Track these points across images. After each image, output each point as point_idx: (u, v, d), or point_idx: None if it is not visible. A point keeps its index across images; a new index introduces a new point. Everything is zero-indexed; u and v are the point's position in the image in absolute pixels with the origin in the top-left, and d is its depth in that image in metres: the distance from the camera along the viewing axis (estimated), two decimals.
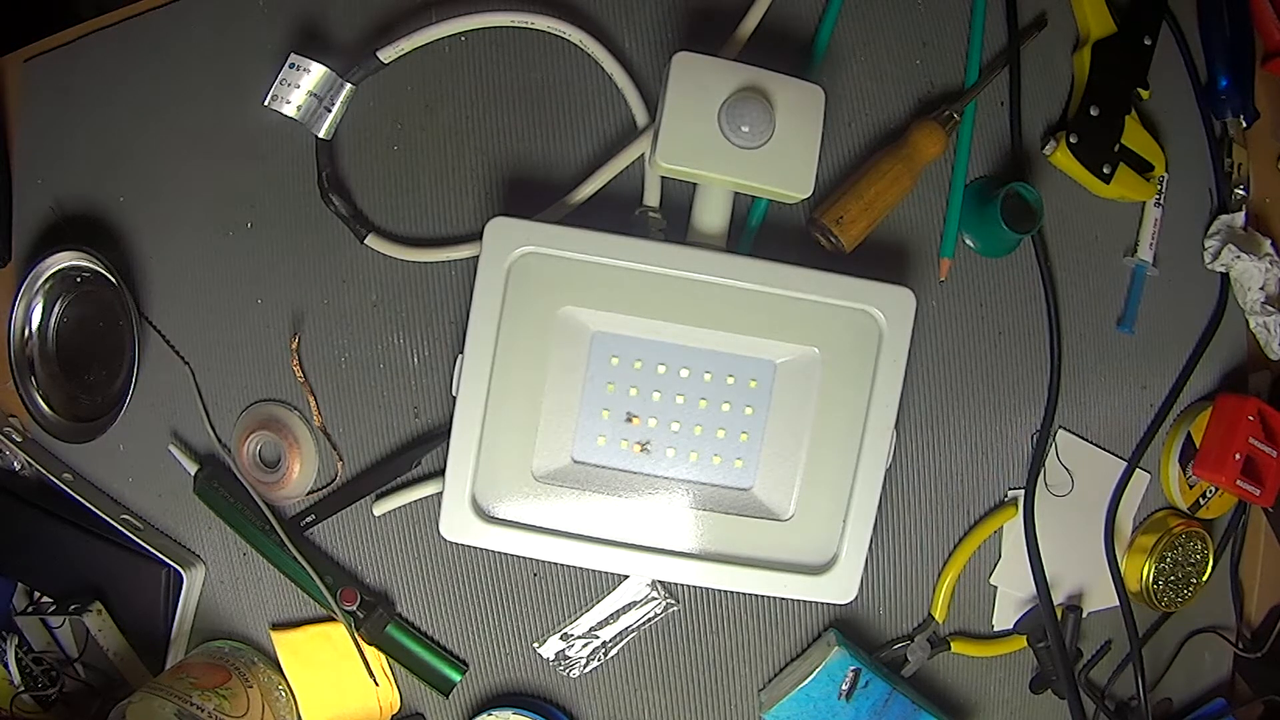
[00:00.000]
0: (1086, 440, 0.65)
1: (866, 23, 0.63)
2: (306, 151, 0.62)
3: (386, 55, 0.60)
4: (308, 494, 0.64)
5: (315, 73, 0.60)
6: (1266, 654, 0.69)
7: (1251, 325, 0.68)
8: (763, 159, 0.53)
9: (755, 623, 0.64)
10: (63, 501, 0.66)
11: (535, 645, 0.64)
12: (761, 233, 0.62)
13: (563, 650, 0.64)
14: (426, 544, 0.63)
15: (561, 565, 0.63)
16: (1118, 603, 0.63)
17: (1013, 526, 0.64)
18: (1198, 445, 0.66)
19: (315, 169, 0.62)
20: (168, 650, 0.66)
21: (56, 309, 0.68)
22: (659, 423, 0.54)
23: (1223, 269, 0.66)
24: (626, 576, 0.63)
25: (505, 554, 0.58)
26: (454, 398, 0.53)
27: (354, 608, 0.61)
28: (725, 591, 0.63)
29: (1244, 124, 0.67)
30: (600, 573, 0.63)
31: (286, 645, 0.65)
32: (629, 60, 0.62)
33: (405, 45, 0.61)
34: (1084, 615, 0.65)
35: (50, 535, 0.67)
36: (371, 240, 0.62)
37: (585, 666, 0.64)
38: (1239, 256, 0.65)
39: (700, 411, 0.54)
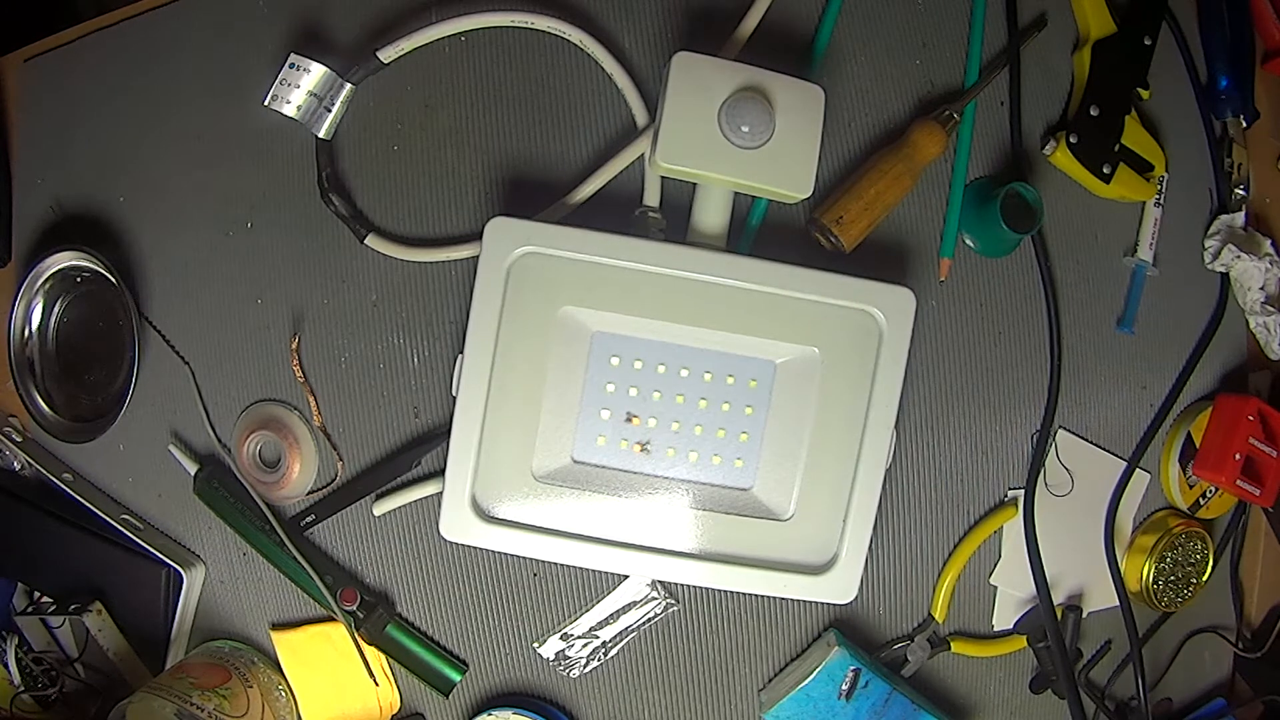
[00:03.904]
0: (1086, 440, 0.65)
1: (866, 23, 0.63)
2: (306, 151, 0.63)
3: (386, 55, 0.60)
4: (308, 494, 0.64)
5: (315, 73, 0.60)
6: (1266, 654, 0.69)
7: (1251, 325, 0.68)
8: (763, 159, 0.53)
9: (755, 623, 0.64)
10: (63, 501, 0.66)
11: (535, 645, 0.64)
12: (761, 233, 0.62)
13: (563, 650, 0.64)
14: (426, 544, 0.63)
15: (561, 565, 0.63)
16: (1118, 603, 0.63)
17: (1013, 526, 0.64)
18: (1198, 445, 0.66)
19: (315, 169, 0.62)
20: (168, 650, 0.66)
21: (56, 309, 0.68)
22: (659, 423, 0.54)
23: (1223, 269, 0.66)
24: (626, 576, 0.63)
25: (505, 554, 0.58)
26: (454, 398, 0.53)
27: (354, 608, 0.61)
28: (725, 591, 0.63)
29: (1244, 124, 0.67)
30: (600, 573, 0.63)
31: (286, 645, 0.65)
32: (629, 60, 0.62)
33: (405, 45, 0.61)
34: (1084, 615, 0.65)
35: (50, 535, 0.67)
36: (371, 240, 0.62)
37: (585, 666, 0.64)
38: (1239, 256, 0.65)
39: (700, 411, 0.54)
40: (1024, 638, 0.65)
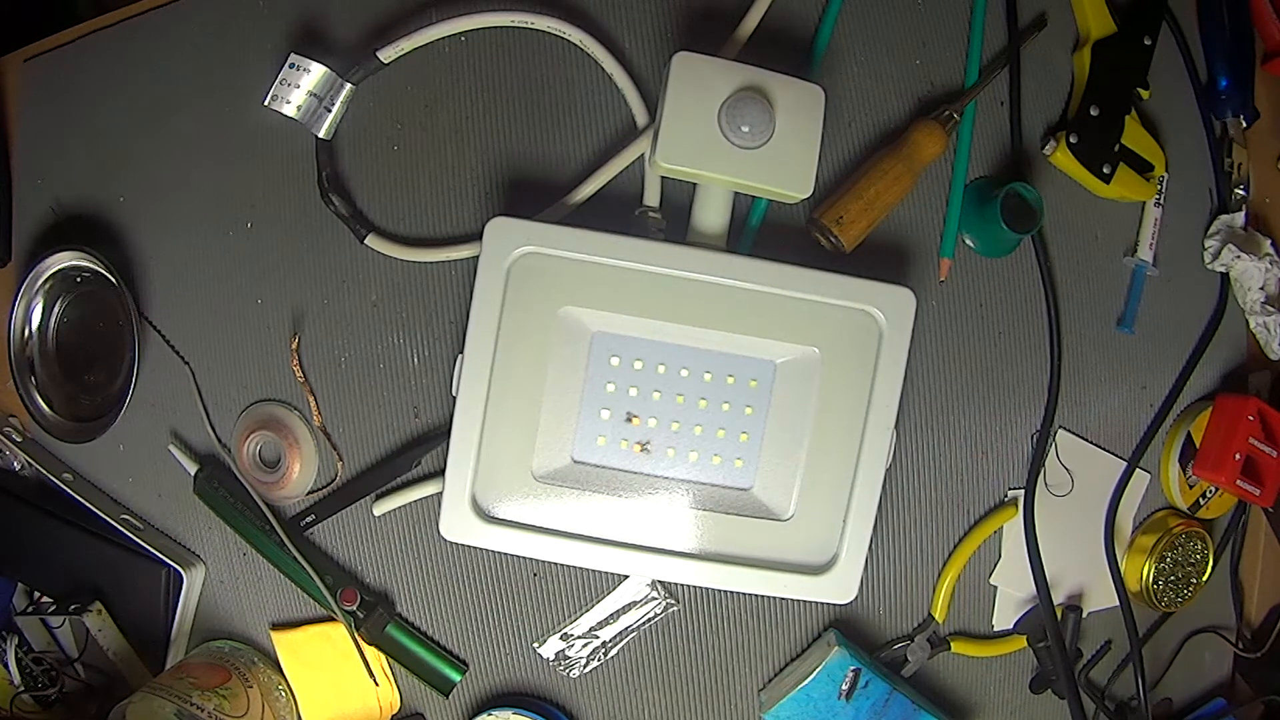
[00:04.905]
0: (1086, 440, 0.65)
1: (866, 23, 0.63)
2: (306, 151, 0.63)
3: (386, 55, 0.60)
4: (308, 494, 0.64)
5: (315, 73, 0.60)
6: (1266, 654, 0.69)
7: (1251, 325, 0.68)
8: (763, 159, 0.53)
9: (755, 623, 0.64)
10: (63, 501, 0.66)
11: (535, 645, 0.64)
12: (761, 233, 0.62)
13: (563, 650, 0.64)
14: (426, 544, 0.63)
15: (561, 565, 0.63)
16: (1118, 603, 0.63)
17: (1013, 526, 0.64)
18: (1198, 445, 0.66)
19: (315, 169, 0.62)
20: (168, 650, 0.66)
21: (56, 309, 0.68)
22: (659, 423, 0.54)
23: (1223, 269, 0.66)
24: (626, 576, 0.63)
25: (505, 554, 0.58)
26: (454, 398, 0.53)
27: (354, 608, 0.61)
28: (725, 591, 0.63)
29: (1244, 124, 0.67)
30: (600, 573, 0.63)
31: (286, 645, 0.65)
32: (629, 60, 0.62)
33: (405, 45, 0.61)
34: (1084, 615, 0.65)
35: (50, 535, 0.67)
36: (371, 240, 0.62)
37: (585, 666, 0.64)
38: (1239, 256, 0.65)
39: (700, 411, 0.54)
40: (1024, 638, 0.65)
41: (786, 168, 0.53)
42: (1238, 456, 0.63)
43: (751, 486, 0.55)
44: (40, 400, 0.67)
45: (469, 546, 0.54)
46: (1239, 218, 0.67)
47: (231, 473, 0.64)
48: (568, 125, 0.62)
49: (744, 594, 0.63)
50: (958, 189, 0.63)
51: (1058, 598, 0.65)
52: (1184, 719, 0.69)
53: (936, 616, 0.64)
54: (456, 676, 0.64)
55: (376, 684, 0.64)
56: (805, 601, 0.63)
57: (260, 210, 0.64)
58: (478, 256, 0.53)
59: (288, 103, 0.61)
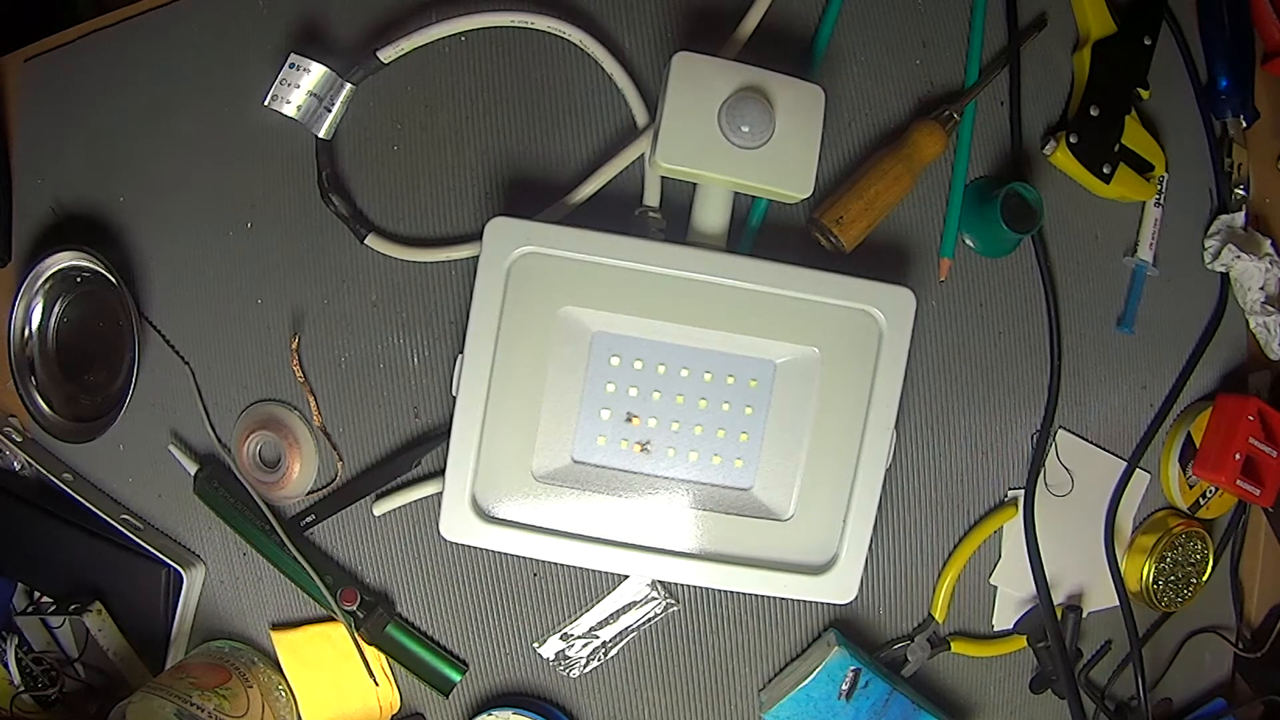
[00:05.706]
0: (1086, 440, 0.65)
1: (866, 23, 0.63)
2: (306, 151, 0.63)
3: (386, 55, 0.60)
4: (308, 494, 0.64)
5: (315, 73, 0.60)
6: (1266, 654, 0.69)
7: (1251, 325, 0.68)
8: (763, 159, 0.53)
9: (755, 623, 0.64)
10: (63, 501, 0.66)
11: (535, 645, 0.64)
12: (761, 233, 0.62)
13: (563, 650, 0.64)
14: (426, 544, 0.63)
15: (561, 565, 0.63)
16: (1118, 603, 0.63)
17: (1013, 526, 0.64)
18: (1198, 445, 0.66)
19: (315, 169, 0.62)
20: (168, 650, 0.66)
21: (56, 309, 0.68)
22: (659, 423, 0.54)
23: (1223, 269, 0.66)
24: (626, 576, 0.63)
25: (505, 554, 0.58)
26: (454, 398, 0.53)
27: (354, 608, 0.61)
28: (725, 591, 0.63)
29: (1244, 124, 0.67)
30: (600, 573, 0.63)
31: (286, 645, 0.65)
32: (629, 60, 0.62)
33: (405, 45, 0.61)
34: (1084, 615, 0.65)
35: (50, 535, 0.67)
36: (371, 240, 0.62)
37: (585, 666, 0.64)
38: (1239, 256, 0.65)
39: (700, 411, 0.54)
40: (1024, 638, 0.65)
41: (786, 168, 0.53)
42: (1238, 456, 0.63)
43: (751, 486, 0.55)
44: (40, 400, 0.67)
45: (469, 546, 0.54)
46: (1239, 218, 0.67)
47: (231, 473, 0.64)
48: (568, 125, 0.62)
49: (744, 594, 0.63)
50: (958, 189, 0.63)
51: (1058, 598, 0.65)
52: (1184, 719, 0.69)
53: (936, 616, 0.64)
54: (456, 676, 0.64)
55: (376, 684, 0.64)
56: (805, 601, 0.63)
57: (260, 210, 0.64)
58: (478, 256, 0.53)
59: (288, 103, 0.61)
